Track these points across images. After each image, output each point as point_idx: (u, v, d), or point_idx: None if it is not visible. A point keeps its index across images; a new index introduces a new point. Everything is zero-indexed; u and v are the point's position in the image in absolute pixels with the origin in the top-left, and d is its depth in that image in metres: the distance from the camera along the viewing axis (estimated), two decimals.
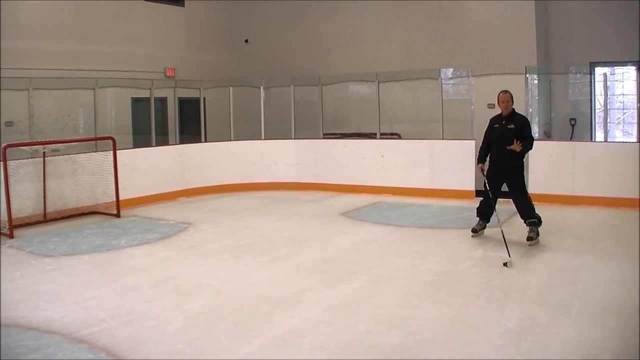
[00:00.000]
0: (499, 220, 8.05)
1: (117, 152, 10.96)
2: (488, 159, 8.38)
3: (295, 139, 13.98)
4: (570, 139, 13.28)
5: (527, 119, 8.52)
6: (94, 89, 12.17)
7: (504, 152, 8.02)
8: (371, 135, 13.59)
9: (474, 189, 11.61)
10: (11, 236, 9.23)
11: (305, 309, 5.86)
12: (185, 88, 14.42)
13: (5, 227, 9.33)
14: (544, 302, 5.86)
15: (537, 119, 13.05)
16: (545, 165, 11.15)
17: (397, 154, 12.73)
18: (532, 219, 8.16)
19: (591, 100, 13.54)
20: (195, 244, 8.71)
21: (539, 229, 8.23)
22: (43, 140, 10.44)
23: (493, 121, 8.39)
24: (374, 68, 14.10)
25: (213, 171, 13.37)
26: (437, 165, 12.19)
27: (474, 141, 11.33)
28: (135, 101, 14.57)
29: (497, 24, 13.81)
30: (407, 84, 14.22)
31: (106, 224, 10.22)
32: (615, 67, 13.60)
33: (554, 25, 14.09)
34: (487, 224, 8.64)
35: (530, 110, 12.07)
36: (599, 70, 13.18)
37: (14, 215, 9.43)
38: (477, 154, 8.63)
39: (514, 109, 8.23)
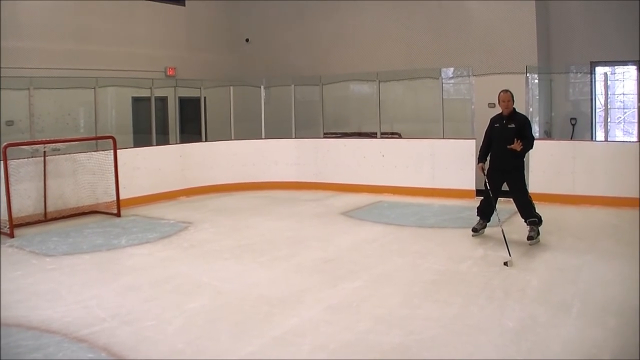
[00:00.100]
0: (499, 219, 8.04)
1: (118, 151, 10.95)
2: (488, 158, 8.38)
3: (295, 138, 13.98)
4: (571, 138, 13.27)
5: (527, 119, 8.51)
6: (94, 88, 12.17)
7: (504, 151, 8.02)
8: (372, 135, 13.58)
9: (474, 189, 11.61)
10: (12, 235, 9.23)
11: (306, 309, 5.86)
12: (185, 87, 14.42)
13: (5, 227, 9.33)
14: (544, 302, 5.86)
15: (537, 119, 13.05)
16: (546, 165, 11.15)
17: (398, 154, 12.73)
18: (532, 218, 8.16)
19: (592, 99, 13.55)
20: (195, 244, 8.71)
21: (540, 228, 8.23)
22: (43, 139, 10.42)
23: (493, 120, 8.39)
24: (375, 67, 14.10)
25: (213, 171, 13.37)
26: (438, 164, 12.18)
27: (474, 140, 11.33)
28: (136, 100, 14.57)
29: (497, 23, 13.80)
30: (407, 84, 14.22)
31: (106, 224, 10.22)
32: (615, 67, 13.59)
33: (554, 24, 14.08)
34: (488, 223, 8.63)
35: (531, 109, 12.07)
36: (600, 70, 13.18)
37: (14, 215, 9.43)
38: (478, 153, 8.63)
39: (514, 109, 8.23)
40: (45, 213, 10.41)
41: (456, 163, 11.93)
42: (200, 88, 14.22)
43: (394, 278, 6.83)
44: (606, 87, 12.52)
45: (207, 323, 5.54)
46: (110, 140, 10.93)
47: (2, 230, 9.35)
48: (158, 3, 15.67)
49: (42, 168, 10.38)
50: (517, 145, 7.91)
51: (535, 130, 11.97)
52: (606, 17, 13.24)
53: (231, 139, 14.06)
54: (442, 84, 12.66)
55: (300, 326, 5.41)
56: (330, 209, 11.14)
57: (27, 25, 12.71)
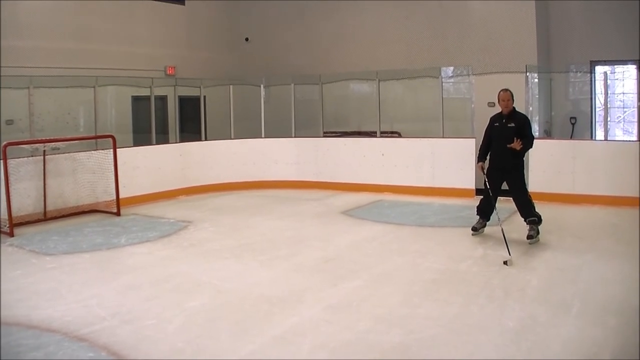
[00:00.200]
0: (499, 218, 8.05)
1: (118, 150, 10.96)
2: (488, 157, 8.38)
3: (295, 137, 13.98)
4: (571, 137, 13.27)
5: (527, 118, 8.52)
6: (94, 87, 12.16)
7: (504, 150, 8.03)
8: (371, 134, 13.59)
9: (474, 188, 11.62)
10: (11, 234, 9.23)
11: (306, 308, 5.86)
12: (185, 86, 14.42)
13: (5, 226, 9.32)
14: (544, 301, 5.86)
15: (537, 118, 13.06)
16: (546, 164, 11.16)
17: (398, 153, 12.73)
18: (532, 218, 8.16)
19: (591, 98, 13.55)
20: (195, 243, 8.71)
21: (539, 227, 8.24)
22: (43, 138, 10.42)
23: (493, 120, 8.39)
24: (375, 66, 14.10)
25: (213, 170, 13.37)
26: (438, 163, 12.19)
27: (474, 140, 11.33)
28: (136, 99, 14.56)
29: (497, 22, 13.80)
30: (407, 83, 14.23)
31: (106, 223, 10.21)
32: (615, 66, 13.60)
33: (554, 23, 14.09)
34: (488, 223, 8.64)
35: (531, 108, 12.08)
36: (600, 69, 13.18)
37: (14, 214, 9.43)
38: (478, 152, 8.63)
39: (514, 108, 8.23)
40: (45, 212, 10.41)
41: (456, 162, 11.94)
42: (200, 87, 14.22)
43: (394, 277, 6.83)
44: (606, 86, 12.53)
45: (207, 322, 5.54)
46: (110, 139, 10.93)
47: (2, 229, 9.35)
48: (158, 2, 15.66)
49: (42, 167, 10.37)
50: (516, 145, 7.91)
51: (535, 129, 11.97)
52: (606, 17, 13.24)
53: (231, 138, 14.07)
54: (442, 83, 12.66)
55: (301, 325, 5.41)
56: (331, 208, 11.14)
57: (27, 24, 12.70)
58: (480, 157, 8.41)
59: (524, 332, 5.10)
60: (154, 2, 15.55)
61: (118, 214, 10.77)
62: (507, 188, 8.33)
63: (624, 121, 14.02)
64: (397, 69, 13.93)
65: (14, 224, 9.41)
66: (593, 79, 13.36)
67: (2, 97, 10.88)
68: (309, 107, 14.45)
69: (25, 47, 12.41)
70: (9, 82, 10.82)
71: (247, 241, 8.75)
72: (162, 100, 14.65)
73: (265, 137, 14.16)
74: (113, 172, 10.90)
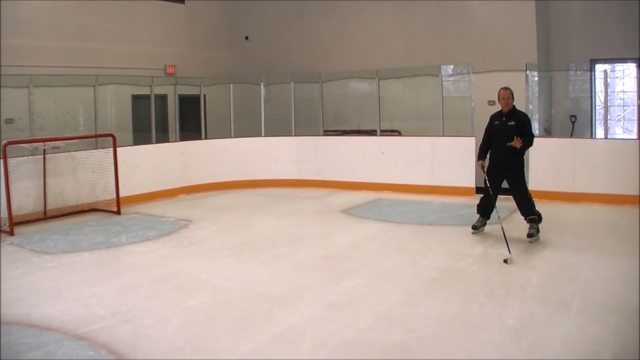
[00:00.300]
0: (499, 217, 8.05)
1: (118, 149, 10.96)
2: (488, 155, 8.38)
3: (295, 136, 13.98)
4: (571, 135, 13.27)
5: (527, 116, 8.52)
6: (94, 86, 12.14)
7: (504, 149, 8.02)
8: (371, 132, 13.58)
9: (474, 186, 11.62)
10: (11, 233, 9.23)
11: (306, 307, 5.86)
12: (185, 85, 14.42)
13: (5, 225, 9.32)
14: (544, 299, 5.86)
15: (537, 116, 13.06)
16: (546, 162, 11.16)
17: (398, 151, 12.74)
18: (532, 216, 8.16)
19: (591, 97, 13.55)
20: (195, 241, 8.72)
21: (539, 225, 8.24)
22: (43, 137, 10.42)
23: (493, 118, 8.39)
24: (374, 65, 14.10)
25: (213, 168, 13.37)
26: (438, 162, 12.19)
27: (474, 138, 11.33)
28: (136, 98, 14.56)
29: (497, 20, 13.80)
30: (407, 81, 14.24)
31: (106, 222, 10.21)
32: (615, 64, 13.59)
33: (554, 22, 14.08)
34: (488, 221, 8.64)
35: (531, 107, 12.07)
36: (599, 67, 13.17)
37: (14, 213, 9.43)
38: (478, 150, 8.63)
39: (514, 106, 8.22)
40: (45, 211, 10.41)
41: (456, 160, 11.93)
42: (200, 86, 14.21)
43: (394, 276, 6.83)
44: (606, 84, 12.52)
45: (207, 321, 5.54)
46: (110, 138, 10.93)
47: (2, 228, 9.34)
48: (158, 1, 15.65)
49: (42, 166, 10.37)
50: (516, 143, 7.91)
51: (535, 127, 11.97)
52: (606, 15, 13.24)
53: (231, 137, 14.06)
54: (442, 81, 12.66)
55: (301, 324, 5.42)
56: (330, 207, 11.14)
57: (27, 23, 12.69)
58: (481, 156, 8.41)
59: (523, 330, 5.10)
60: (154, 1, 15.55)
61: (118, 212, 10.77)
62: (507, 186, 8.32)
63: (624, 119, 14.02)
64: (397, 68, 13.96)
65: (14, 223, 9.41)
66: (593, 77, 13.35)
67: (2, 96, 10.88)
68: (309, 106, 14.45)
69: (25, 46, 12.41)
70: (9, 81, 10.81)
71: (247, 240, 8.75)
72: (162, 99, 14.64)
73: (265, 136, 14.16)
74: (113, 171, 10.90)
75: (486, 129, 8.46)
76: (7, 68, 11.34)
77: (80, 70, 12.63)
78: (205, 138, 14.13)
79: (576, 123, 13.74)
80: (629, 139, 12.32)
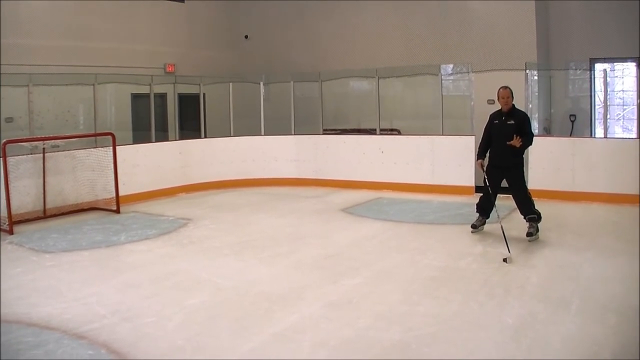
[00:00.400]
0: (498, 216, 8.06)
1: (117, 148, 10.95)
2: (488, 154, 8.38)
3: (295, 134, 13.97)
4: (570, 135, 13.27)
5: (527, 115, 8.52)
6: (93, 85, 12.14)
7: (504, 148, 8.02)
8: (371, 131, 13.58)
9: (473, 185, 11.62)
10: (11, 232, 9.22)
11: (306, 305, 5.87)
12: (185, 84, 14.42)
13: (5, 223, 9.32)
14: (544, 299, 5.86)
15: (537, 115, 13.05)
16: (545, 161, 11.16)
17: (397, 150, 12.73)
18: (531, 215, 8.17)
19: (591, 96, 13.53)
20: (195, 240, 8.71)
21: (539, 224, 8.24)
22: (43, 136, 10.42)
23: (493, 117, 8.39)
24: (374, 64, 14.10)
25: (213, 167, 13.37)
26: (437, 161, 12.18)
27: (473, 137, 11.32)
28: (135, 97, 14.55)
29: (497, 19, 13.80)
30: (407, 80, 14.23)
31: (106, 220, 10.21)
32: (615, 63, 13.59)
33: (554, 21, 14.08)
34: (487, 220, 8.64)
35: (530, 106, 12.07)
36: (599, 67, 13.15)
37: (13, 212, 9.42)
38: (477, 149, 8.63)
39: (513, 105, 8.22)
40: (45, 210, 10.41)
41: (455, 160, 11.93)
42: (199, 85, 14.21)
43: (394, 275, 6.83)
44: (605, 83, 12.53)
45: (207, 319, 5.55)
46: (110, 137, 10.93)
47: (1, 227, 9.34)
48: (158, 0, 15.63)
49: (42, 165, 10.37)
50: (516, 142, 7.91)
51: (535, 126, 11.96)
52: (606, 14, 13.24)
53: (230, 136, 14.06)
54: (442, 80, 12.67)
55: (300, 323, 5.42)
56: (330, 206, 11.14)
57: (27, 22, 12.68)
58: (480, 155, 8.41)
59: (523, 329, 5.11)
60: (154, 0, 15.52)
61: (118, 211, 10.76)
62: (507, 185, 8.33)
63: (623, 119, 14.02)
64: (397, 67, 13.95)
65: (14, 222, 9.40)
66: (592, 77, 13.34)
67: (2, 95, 10.87)
68: (309, 105, 14.44)
69: (24, 45, 12.40)
70: (9, 80, 10.82)
71: (247, 238, 8.75)
72: (162, 97, 14.63)
73: (264, 135, 14.15)
74: (113, 170, 10.89)
75: (486, 128, 8.46)
76: (7, 67, 11.34)
77: (79, 69, 12.62)
78: (205, 137, 14.11)
79: (576, 122, 13.74)
80: (629, 138, 12.32)
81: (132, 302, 6.05)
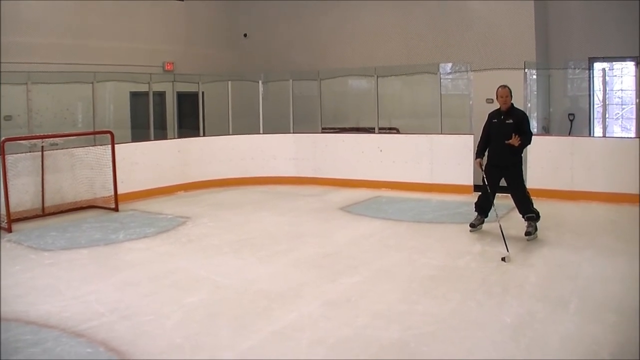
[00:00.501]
0: (497, 215, 8.06)
1: (116, 146, 10.94)
2: (487, 153, 8.38)
3: (293, 133, 13.96)
4: (569, 134, 13.28)
5: (525, 114, 8.52)
6: (92, 83, 12.14)
7: (502, 147, 8.02)
8: (370, 130, 13.58)
9: (472, 184, 11.62)
10: (9, 230, 9.21)
11: (304, 304, 5.87)
12: (183, 82, 14.41)
13: (3, 222, 9.31)
14: (542, 298, 5.87)
15: (535, 114, 13.05)
16: (544, 161, 11.16)
17: (396, 149, 12.73)
18: (530, 214, 8.17)
19: (590, 95, 13.55)
20: (194, 238, 8.71)
21: (537, 224, 8.23)
22: (41, 134, 10.41)
23: (492, 116, 8.39)
24: (373, 63, 14.10)
25: (212, 165, 13.35)
26: (436, 160, 12.18)
27: (472, 136, 11.31)
28: (134, 95, 14.54)
29: (496, 18, 13.80)
30: (405, 79, 14.21)
31: (104, 218, 10.20)
32: (614, 63, 13.58)
33: (553, 20, 14.09)
34: (486, 219, 8.63)
35: (529, 105, 12.07)
36: (598, 66, 13.16)
37: (12, 210, 9.41)
38: (476, 148, 8.63)
39: (512, 104, 8.22)
40: (43, 208, 10.40)
41: (454, 158, 11.93)
42: (198, 83, 14.20)
43: (393, 273, 6.83)
44: (604, 83, 12.52)
45: (206, 318, 5.55)
46: (108, 135, 10.91)
47: (0, 225, 9.34)
48: None
49: (40, 163, 10.36)
50: (515, 141, 7.91)
51: (534, 125, 11.96)
52: (605, 13, 13.24)
53: (229, 134, 14.06)
54: (440, 79, 12.68)
55: (299, 321, 5.42)
56: (329, 204, 11.14)
57: (27, 20, 12.66)
58: (479, 154, 8.41)
59: (522, 328, 5.11)
60: None
61: (116, 209, 10.76)
62: (506, 184, 8.33)
63: (622, 118, 14.03)
64: (396, 65, 13.94)
65: (12, 220, 9.39)
66: (591, 76, 13.36)
67: (1, 93, 10.86)
68: (308, 103, 14.42)
69: (23, 43, 12.37)
70: (8, 78, 10.81)
71: (245, 237, 8.75)
72: (161, 96, 14.63)
73: (263, 133, 14.15)
74: (111, 168, 10.88)
75: (484, 127, 8.46)
76: (6, 65, 11.32)
77: (78, 67, 12.59)
78: (204, 135, 14.11)
79: (574, 121, 13.74)
80: (628, 138, 12.34)
81: (131, 300, 6.05)
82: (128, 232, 9.12)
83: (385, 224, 9.47)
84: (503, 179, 8.27)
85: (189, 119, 14.59)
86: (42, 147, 10.24)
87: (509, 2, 13.56)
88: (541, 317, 5.33)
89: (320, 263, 7.31)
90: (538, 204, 8.43)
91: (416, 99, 14.66)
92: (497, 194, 8.40)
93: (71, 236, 8.94)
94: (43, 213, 10.34)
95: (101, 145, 11.11)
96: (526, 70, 11.94)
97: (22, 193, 10.05)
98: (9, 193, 9.33)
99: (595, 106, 13.53)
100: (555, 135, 12.54)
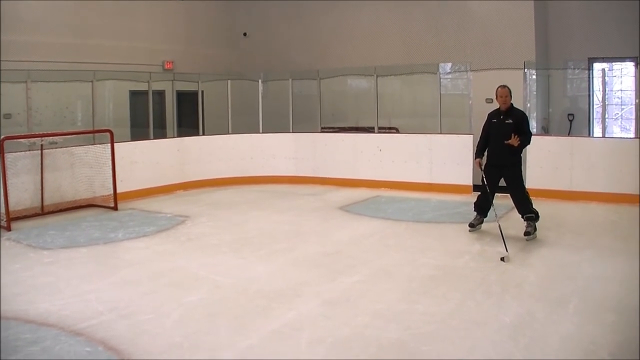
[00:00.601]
0: (496, 215, 8.06)
1: (115, 145, 10.94)
2: (486, 153, 8.38)
3: (293, 132, 13.96)
4: (568, 134, 13.28)
5: (525, 114, 8.52)
6: (92, 81, 12.12)
7: (502, 147, 8.02)
8: (369, 130, 13.57)
9: (471, 184, 11.61)
10: (9, 229, 9.21)
11: (304, 303, 5.87)
12: (183, 81, 14.39)
13: (3, 220, 9.31)
14: (542, 298, 5.87)
15: (535, 114, 13.05)
16: (544, 161, 11.16)
17: (395, 149, 12.72)
18: (529, 214, 8.16)
19: (589, 95, 13.55)
20: (193, 237, 8.71)
21: (537, 224, 8.24)
22: (41, 132, 10.42)
23: (491, 116, 8.39)
24: (373, 62, 14.08)
25: (211, 164, 13.35)
26: (435, 159, 12.18)
27: (472, 136, 11.31)
28: (134, 94, 14.52)
29: (496, 18, 13.80)
30: (405, 79, 14.20)
31: (104, 217, 10.20)
32: (613, 63, 13.59)
33: (553, 20, 14.09)
34: (485, 219, 8.63)
35: (529, 105, 12.07)
36: (598, 66, 13.16)
37: (11, 208, 9.41)
38: (475, 148, 8.62)
39: (512, 104, 8.22)
40: (43, 206, 10.39)
41: (453, 158, 11.93)
42: (197, 82, 14.19)
43: (392, 273, 6.83)
44: (604, 83, 12.51)
45: (205, 316, 5.55)
46: (108, 134, 10.91)
47: None
48: None
49: (40, 161, 10.35)
50: (514, 141, 7.91)
51: (533, 125, 11.96)
52: (604, 13, 13.23)
53: (229, 133, 14.06)
54: (440, 79, 12.68)
55: (298, 320, 5.42)
56: (328, 204, 11.14)
57: (26, 18, 12.64)
58: (478, 154, 8.40)
59: (521, 328, 5.12)
60: None
61: (115, 208, 10.76)
62: (505, 184, 8.33)
63: (621, 118, 14.03)
64: (395, 65, 13.93)
65: (12, 218, 9.39)
66: (591, 76, 13.36)
67: (1, 91, 10.86)
68: (307, 103, 14.42)
69: (23, 42, 12.35)
70: (7, 76, 10.80)
71: (244, 236, 8.75)
72: (160, 95, 14.62)
73: (263, 133, 14.14)
74: (110, 167, 10.88)
75: (484, 127, 8.46)
76: (6, 63, 11.30)
77: (78, 65, 12.56)
78: (203, 134, 14.10)
79: (574, 121, 13.75)
80: (627, 138, 12.35)
81: (130, 299, 6.05)
82: (127, 231, 9.12)
83: (385, 224, 9.47)
84: (502, 179, 8.27)
85: (189, 118, 14.58)
86: (42, 145, 10.24)
87: (509, 2, 13.56)
88: (540, 317, 5.33)
89: (319, 262, 7.30)
90: (537, 204, 8.43)
91: (416, 99, 14.67)
92: (496, 194, 8.40)
93: (70, 235, 8.94)
94: (42, 212, 10.34)
95: (100, 144, 11.12)
96: (526, 70, 11.94)
97: (22, 191, 10.05)
98: (8, 191, 9.33)
99: (595, 106, 13.53)
100: (555, 136, 12.54)
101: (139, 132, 13.86)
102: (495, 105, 8.36)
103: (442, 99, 12.46)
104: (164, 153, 12.70)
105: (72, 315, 5.54)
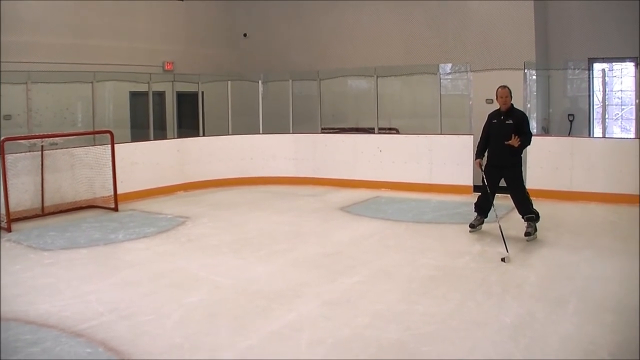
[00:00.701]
0: (496, 215, 8.06)
1: (115, 146, 10.93)
2: (486, 154, 8.38)
3: (293, 133, 13.96)
4: (569, 134, 13.28)
5: (525, 114, 8.52)
6: (92, 82, 12.13)
7: (502, 147, 8.02)
8: (369, 130, 13.58)
9: (472, 184, 11.61)
10: (9, 230, 9.21)
11: (304, 304, 5.87)
12: (183, 82, 14.41)
13: (3, 221, 9.31)
14: (542, 298, 5.87)
15: (535, 115, 13.06)
16: (544, 161, 11.16)
17: (395, 149, 12.73)
18: (529, 215, 8.16)
19: (589, 96, 13.55)
20: (193, 238, 8.72)
21: (537, 224, 8.23)
22: (41, 133, 10.41)
23: (491, 116, 8.39)
24: (373, 63, 14.08)
25: (211, 165, 13.35)
26: (435, 160, 12.18)
27: (472, 136, 11.31)
28: (134, 95, 14.53)
29: (496, 19, 13.80)
30: (405, 79, 14.21)
31: (104, 218, 10.20)
32: (613, 63, 13.60)
33: (553, 20, 14.09)
34: (485, 219, 8.63)
35: (529, 105, 12.08)
36: (598, 66, 13.17)
37: (12, 209, 9.41)
38: (475, 149, 8.62)
39: (512, 104, 8.22)
40: (43, 207, 10.39)
41: (454, 159, 11.93)
42: (198, 83, 14.20)
43: (392, 273, 6.83)
44: (604, 83, 12.52)
45: (205, 317, 5.55)
46: (108, 135, 10.91)
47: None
48: None
49: (40, 162, 10.35)
50: (514, 141, 7.91)
51: (533, 126, 11.97)
52: (604, 14, 13.23)
53: (229, 134, 14.06)
54: (440, 79, 12.68)
55: (298, 321, 5.42)
56: (328, 204, 11.14)
57: (26, 19, 12.65)
58: (478, 154, 8.41)
59: (521, 328, 5.12)
60: None
61: (116, 209, 10.76)
62: (505, 185, 8.33)
63: (621, 118, 14.03)
64: (395, 66, 13.93)
65: (12, 219, 9.39)
66: (591, 76, 13.36)
67: (1, 92, 10.86)
68: (307, 103, 14.42)
69: (23, 43, 12.36)
70: (7, 77, 10.81)
71: (245, 236, 8.75)
72: (160, 95, 14.63)
73: (263, 133, 14.15)
74: (111, 168, 10.88)
75: (484, 127, 8.46)
76: (6, 64, 11.31)
77: (78, 66, 12.59)
78: (203, 135, 14.11)
79: (574, 122, 13.75)
80: (627, 138, 12.35)
81: (130, 299, 6.05)
82: (127, 232, 9.12)
83: (385, 224, 9.47)
84: (503, 179, 8.27)
85: (189, 118, 14.59)
86: (42, 146, 10.24)
87: (509, 2, 13.57)
88: (540, 317, 5.33)
89: (319, 263, 7.30)
90: (537, 205, 8.43)
91: (416, 99, 14.67)
92: (496, 194, 8.40)
93: (71, 236, 8.94)
94: (42, 213, 10.34)
95: (101, 145, 11.11)
96: (526, 70, 11.95)
97: (22, 192, 10.05)
98: (8, 192, 9.33)
99: (595, 107, 13.53)
100: (555, 136, 12.53)
101: (139, 133, 13.87)
102: (496, 105, 8.36)
103: (442, 100, 12.47)
104: (164, 154, 12.70)
105: (73, 316, 5.54)
